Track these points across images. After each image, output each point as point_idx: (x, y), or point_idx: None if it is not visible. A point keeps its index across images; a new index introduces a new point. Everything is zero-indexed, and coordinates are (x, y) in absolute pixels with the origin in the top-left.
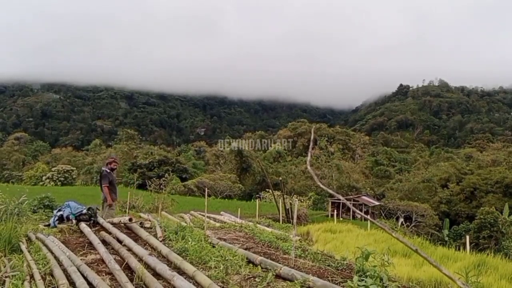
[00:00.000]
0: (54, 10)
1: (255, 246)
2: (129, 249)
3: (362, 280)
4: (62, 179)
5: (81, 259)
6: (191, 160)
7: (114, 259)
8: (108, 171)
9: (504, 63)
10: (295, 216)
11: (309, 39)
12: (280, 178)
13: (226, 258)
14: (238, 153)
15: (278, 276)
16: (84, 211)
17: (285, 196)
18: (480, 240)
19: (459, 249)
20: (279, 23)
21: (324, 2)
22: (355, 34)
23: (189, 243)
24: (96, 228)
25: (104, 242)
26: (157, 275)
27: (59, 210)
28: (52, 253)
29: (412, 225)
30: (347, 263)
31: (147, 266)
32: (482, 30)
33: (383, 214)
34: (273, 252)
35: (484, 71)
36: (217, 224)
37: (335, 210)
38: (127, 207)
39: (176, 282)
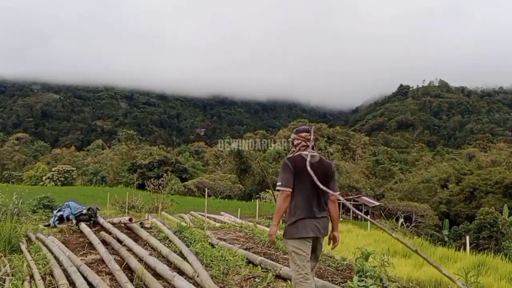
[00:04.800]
0: (55, 10)
1: (255, 246)
2: (129, 249)
3: (362, 280)
4: (62, 179)
5: (81, 259)
6: (189, 161)
7: (114, 259)
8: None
9: (505, 63)
10: None
11: (308, 39)
12: None
13: (226, 259)
14: (237, 154)
15: (278, 276)
16: (84, 211)
17: None
18: (480, 241)
19: (459, 250)
20: (279, 23)
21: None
22: (355, 34)
23: (193, 245)
24: (96, 228)
25: (104, 242)
26: (157, 275)
27: (59, 210)
28: (52, 253)
29: (412, 225)
30: (347, 264)
31: (147, 267)
32: (483, 29)
33: (383, 215)
34: (273, 252)
35: (484, 71)
36: (217, 224)
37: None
38: (127, 207)
39: (176, 282)
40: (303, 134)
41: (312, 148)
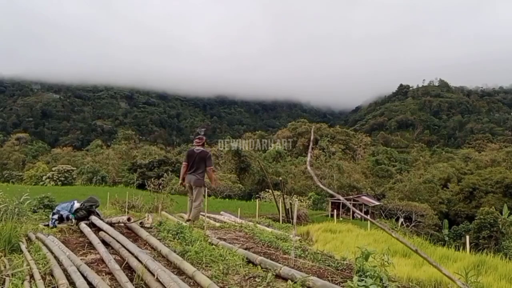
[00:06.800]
0: (55, 10)
1: (255, 246)
2: (129, 250)
3: (362, 280)
4: (62, 179)
5: (81, 259)
6: None
7: (114, 258)
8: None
9: (505, 62)
10: (295, 216)
11: (308, 39)
12: (280, 178)
13: (226, 258)
14: (236, 153)
15: (278, 276)
16: (78, 205)
17: (285, 196)
18: (480, 240)
19: (459, 249)
20: (278, 23)
21: (325, 2)
22: (355, 33)
23: (192, 244)
24: (96, 227)
25: (104, 242)
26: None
27: (54, 214)
28: (52, 252)
29: (412, 225)
30: (347, 263)
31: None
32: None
33: (383, 214)
34: (273, 252)
35: (484, 71)
36: (217, 224)
37: (335, 210)
38: (127, 206)
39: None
40: (197, 139)
41: (203, 146)
